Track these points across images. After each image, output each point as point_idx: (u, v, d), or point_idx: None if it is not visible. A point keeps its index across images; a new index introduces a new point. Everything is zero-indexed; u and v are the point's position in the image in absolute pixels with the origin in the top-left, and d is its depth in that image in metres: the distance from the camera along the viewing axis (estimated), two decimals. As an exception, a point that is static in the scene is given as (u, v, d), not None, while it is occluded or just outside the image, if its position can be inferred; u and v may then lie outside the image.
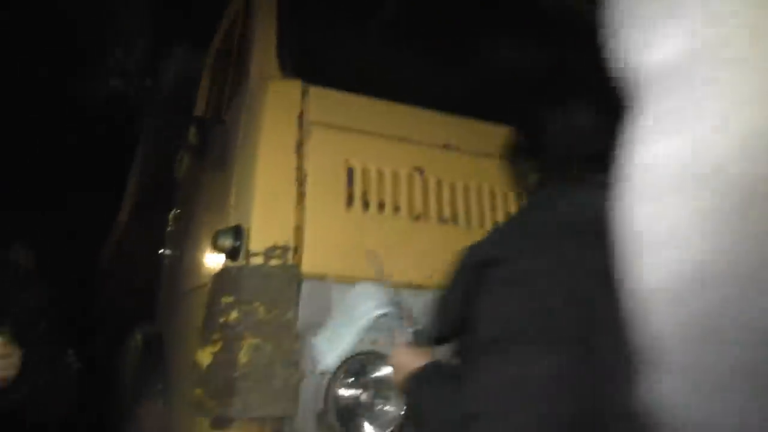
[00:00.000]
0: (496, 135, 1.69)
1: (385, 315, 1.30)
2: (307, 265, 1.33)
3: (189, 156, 2.22)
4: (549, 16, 2.15)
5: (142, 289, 2.77)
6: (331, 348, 1.29)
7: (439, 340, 1.13)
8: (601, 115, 1.01)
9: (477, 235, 1.55)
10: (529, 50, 2.04)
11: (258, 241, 1.31)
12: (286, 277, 1.28)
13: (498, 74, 1.90)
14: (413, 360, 1.10)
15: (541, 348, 0.82)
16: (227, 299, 1.23)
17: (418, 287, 1.45)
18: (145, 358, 2.11)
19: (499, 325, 0.87)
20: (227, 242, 1.32)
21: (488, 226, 1.58)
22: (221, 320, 1.21)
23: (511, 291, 0.88)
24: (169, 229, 2.45)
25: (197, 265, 1.84)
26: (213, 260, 1.54)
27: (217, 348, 1.19)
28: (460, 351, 1.03)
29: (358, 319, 1.28)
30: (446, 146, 1.60)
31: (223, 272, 1.33)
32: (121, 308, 3.21)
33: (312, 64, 1.56)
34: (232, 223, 1.40)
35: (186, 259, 2.08)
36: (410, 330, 1.24)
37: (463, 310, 0.95)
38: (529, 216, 1.04)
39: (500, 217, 1.60)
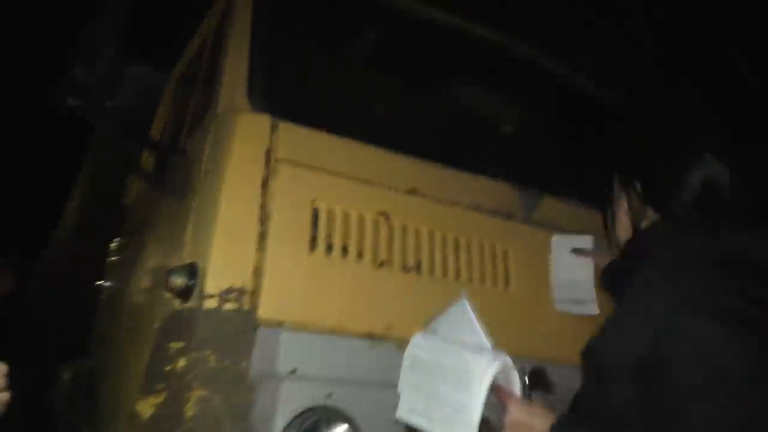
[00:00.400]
0: (463, 182, 1.69)
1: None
2: (264, 311, 1.26)
3: (141, 182, 2.11)
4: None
5: (73, 318, 2.61)
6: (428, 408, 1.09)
7: None
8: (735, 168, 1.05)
9: (439, 286, 1.52)
10: (498, 101, 2.06)
11: (214, 281, 1.23)
12: (241, 323, 1.20)
13: (470, 121, 1.89)
14: (537, 419, 1.09)
15: None
16: (176, 345, 1.14)
17: (377, 338, 1.39)
18: (74, 396, 1.95)
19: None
20: (180, 281, 1.24)
21: (451, 276, 1.54)
22: (167, 368, 1.12)
23: None
24: (111, 258, 2.32)
25: (143, 302, 1.73)
26: (162, 299, 1.44)
27: (160, 399, 1.09)
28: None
29: (475, 379, 1.05)
30: (412, 191, 1.57)
31: (174, 314, 1.24)
32: (47, 338, 3.02)
33: (283, 99, 1.51)
34: (187, 260, 1.32)
35: (130, 294, 1.95)
36: (520, 383, 1.13)
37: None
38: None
39: (463, 268, 1.57)
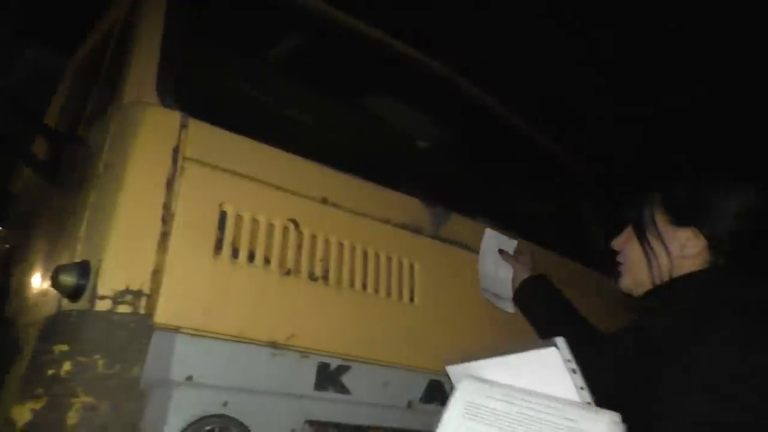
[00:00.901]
0: (374, 195, 1.70)
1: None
2: (162, 315, 1.19)
3: (32, 170, 1.97)
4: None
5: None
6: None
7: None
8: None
9: (345, 296, 1.51)
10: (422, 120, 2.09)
11: (107, 282, 1.16)
12: (135, 327, 1.14)
13: (386, 134, 1.91)
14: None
15: None
16: (61, 348, 1.06)
17: (280, 347, 1.36)
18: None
19: None
20: (70, 279, 1.15)
21: (357, 287, 1.54)
22: (50, 372, 1.03)
23: None
24: (-8, 249, 2.14)
25: (27, 297, 1.60)
26: (48, 297, 1.34)
27: (40, 405, 1.01)
28: None
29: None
30: (324, 200, 1.56)
31: (60, 315, 1.15)
32: None
33: (195, 96, 1.45)
34: (79, 257, 1.23)
35: (13, 287, 1.81)
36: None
37: None
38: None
39: (371, 280, 1.57)
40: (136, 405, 1.12)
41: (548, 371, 0.94)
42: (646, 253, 1.25)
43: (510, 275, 1.85)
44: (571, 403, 0.92)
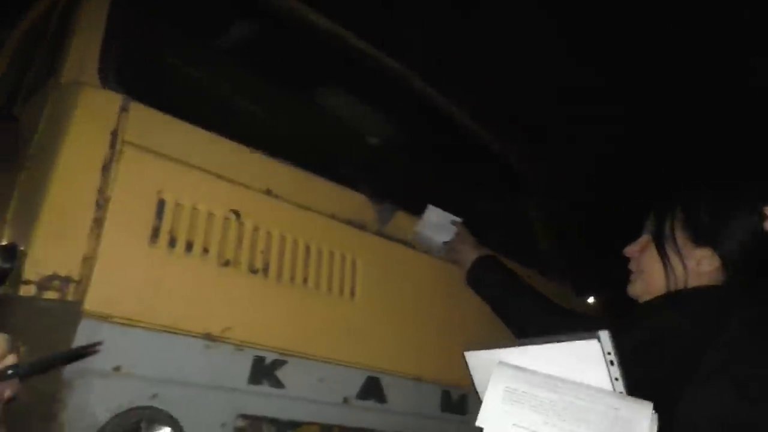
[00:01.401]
0: (320, 189, 1.69)
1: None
2: (91, 302, 1.16)
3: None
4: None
5: None
6: None
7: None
8: None
9: (285, 290, 1.50)
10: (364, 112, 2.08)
11: (34, 266, 1.11)
12: (62, 315, 1.10)
13: (336, 129, 1.90)
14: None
15: None
16: (-21, 333, 1.01)
17: (214, 339, 1.34)
18: None
19: None
20: (-7, 262, 1.11)
21: (298, 281, 1.53)
22: (-34, 358, 0.99)
23: None
24: None
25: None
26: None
27: (-47, 393, 0.96)
28: None
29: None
30: (268, 192, 1.54)
31: (-19, 299, 1.10)
32: None
33: (138, 79, 1.41)
34: (5, 240, 1.18)
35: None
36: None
37: None
38: None
39: (312, 274, 1.56)
40: (59, 394, 1.08)
41: (581, 361, 0.95)
42: (664, 265, 1.32)
43: (444, 240, 1.91)
44: (609, 392, 0.93)
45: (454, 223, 1.93)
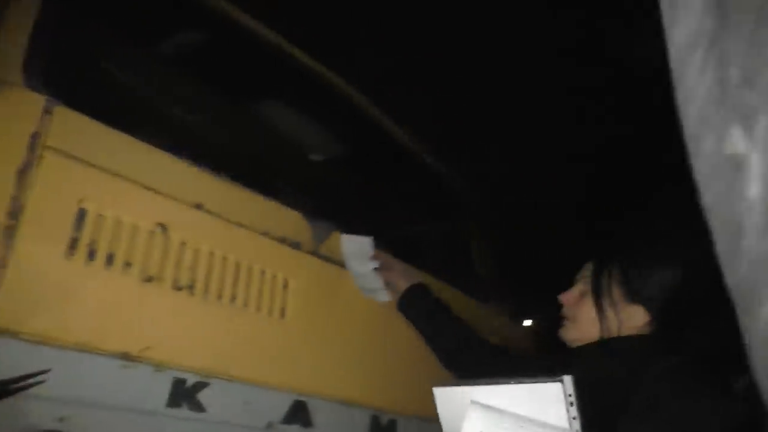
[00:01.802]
0: (254, 205, 1.65)
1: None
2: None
3: None
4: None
5: None
6: None
7: None
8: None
9: (212, 309, 1.45)
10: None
11: (-68, 276, 1.03)
12: (-40, 329, 1.02)
13: (276, 144, 1.86)
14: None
15: None
16: None
17: (133, 359, 1.27)
18: None
19: None
20: None
21: (225, 300, 1.48)
22: None
23: None
24: None
25: None
26: None
27: None
28: None
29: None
30: (198, 206, 1.49)
31: None
32: None
33: (65, 81, 1.34)
34: None
35: None
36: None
37: None
38: None
39: (241, 293, 1.51)
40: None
41: (543, 400, 1.06)
42: (599, 317, 1.40)
43: (374, 265, 1.89)
44: (568, 430, 1.04)
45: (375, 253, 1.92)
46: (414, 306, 1.83)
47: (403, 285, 1.85)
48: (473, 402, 1.10)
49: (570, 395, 1.06)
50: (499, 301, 2.75)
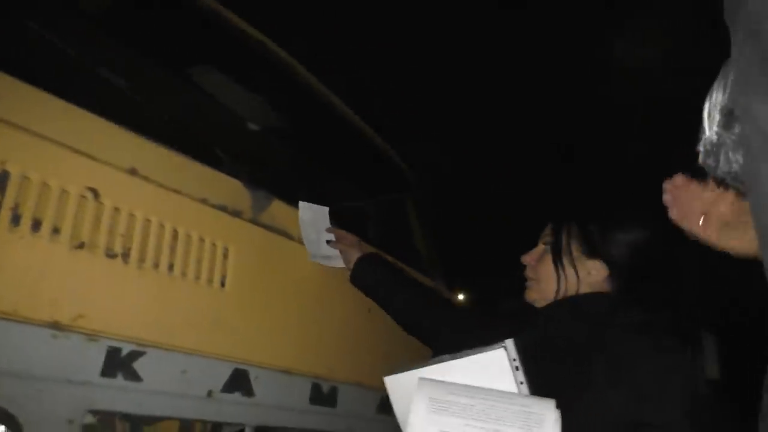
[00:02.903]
0: (192, 172, 1.60)
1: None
2: None
3: None
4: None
5: None
6: None
7: None
8: None
9: (148, 277, 1.41)
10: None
11: None
12: None
13: (214, 112, 1.81)
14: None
15: None
16: None
17: (64, 328, 1.22)
18: None
19: None
20: None
21: (163, 268, 1.44)
22: None
23: None
24: None
25: None
26: None
27: None
28: None
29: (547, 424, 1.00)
30: (132, 171, 1.43)
31: None
32: None
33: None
34: None
35: None
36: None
37: None
38: None
39: (179, 261, 1.48)
40: None
41: (491, 370, 1.07)
42: (557, 274, 1.43)
43: (329, 235, 1.91)
44: (519, 394, 1.05)
45: (328, 228, 1.92)
46: (368, 275, 1.80)
47: (355, 255, 1.84)
48: (421, 378, 1.09)
49: (514, 360, 1.07)
50: (438, 274, 2.79)
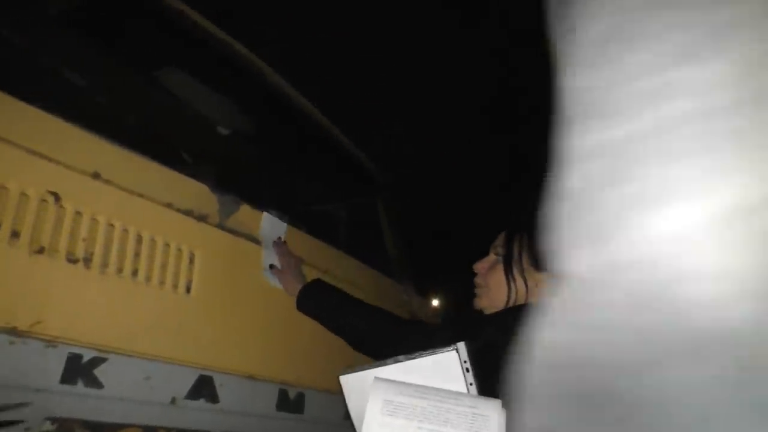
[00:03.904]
0: (156, 176, 1.58)
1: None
2: None
3: None
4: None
5: None
6: None
7: None
8: None
9: (110, 283, 1.39)
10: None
11: None
12: None
13: (181, 115, 1.79)
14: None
15: None
16: None
17: (21, 334, 1.20)
18: None
19: None
20: None
21: (127, 273, 1.42)
22: None
23: None
24: None
25: None
26: None
27: None
28: None
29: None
30: (95, 175, 1.41)
31: None
32: None
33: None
34: None
35: None
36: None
37: None
38: None
39: (143, 267, 1.46)
40: None
41: (443, 371, 1.12)
42: (508, 283, 1.46)
43: (271, 254, 1.89)
44: (467, 395, 1.10)
45: (278, 243, 1.90)
46: (313, 304, 1.79)
47: (295, 286, 1.82)
48: (376, 378, 1.13)
49: (465, 362, 1.12)
50: (407, 278, 2.80)
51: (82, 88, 1.54)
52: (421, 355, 1.15)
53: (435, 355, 1.14)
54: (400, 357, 1.16)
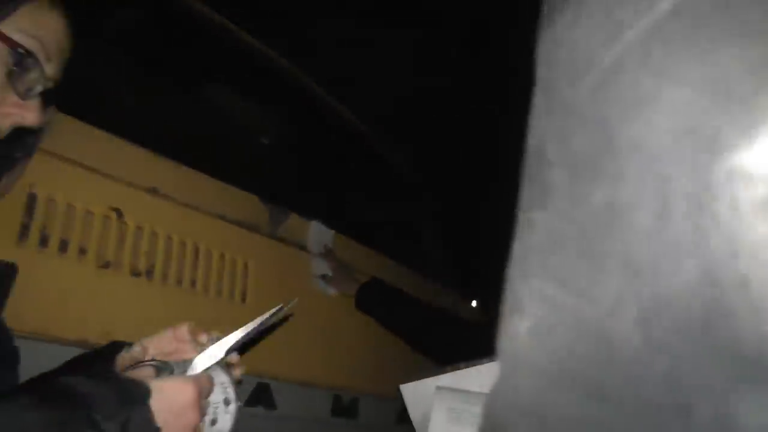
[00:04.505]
0: (210, 188, 1.63)
1: None
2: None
3: None
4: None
5: None
6: None
7: None
8: None
9: (172, 294, 1.43)
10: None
11: None
12: None
13: (228, 128, 1.84)
14: None
15: None
16: None
17: (91, 347, 1.24)
18: None
19: None
20: None
21: (186, 285, 1.46)
22: None
23: None
24: None
25: None
26: None
27: None
28: None
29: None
30: (152, 190, 1.46)
31: None
32: None
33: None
34: None
35: None
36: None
37: None
38: None
39: (200, 277, 1.50)
40: None
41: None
42: None
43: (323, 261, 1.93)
44: None
45: (327, 252, 1.93)
46: (371, 301, 1.83)
47: (352, 285, 1.85)
48: (438, 387, 1.10)
49: None
50: (450, 281, 2.80)
51: (134, 106, 1.60)
52: (482, 362, 1.12)
53: (487, 364, 1.10)
54: (461, 364, 1.14)
